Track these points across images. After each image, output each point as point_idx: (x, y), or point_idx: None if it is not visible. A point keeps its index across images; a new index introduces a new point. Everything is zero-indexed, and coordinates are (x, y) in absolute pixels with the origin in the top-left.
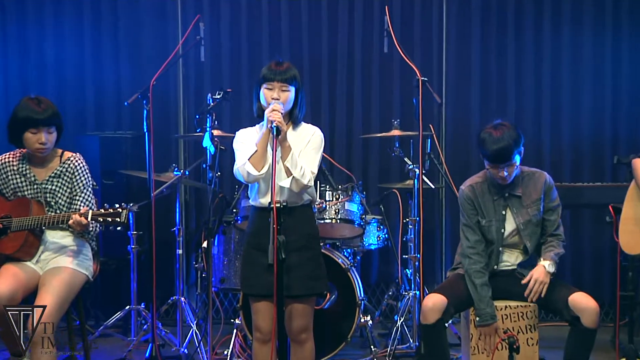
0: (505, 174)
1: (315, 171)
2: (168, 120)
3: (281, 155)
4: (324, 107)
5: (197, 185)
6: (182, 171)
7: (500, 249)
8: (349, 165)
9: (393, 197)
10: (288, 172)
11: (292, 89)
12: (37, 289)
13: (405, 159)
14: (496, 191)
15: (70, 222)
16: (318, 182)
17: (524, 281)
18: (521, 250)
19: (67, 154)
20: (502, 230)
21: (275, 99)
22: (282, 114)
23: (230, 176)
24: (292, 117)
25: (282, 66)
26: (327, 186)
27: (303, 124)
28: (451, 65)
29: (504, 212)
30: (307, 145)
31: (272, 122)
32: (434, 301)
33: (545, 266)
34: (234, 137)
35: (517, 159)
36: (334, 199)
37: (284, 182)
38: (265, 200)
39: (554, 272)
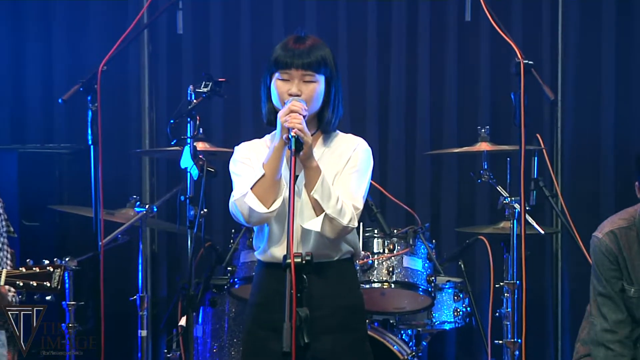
0: None
1: (361, 206)
2: (126, 127)
3: (305, 181)
4: (370, 108)
5: (170, 229)
6: (147, 207)
7: None
8: (410, 198)
9: (480, 249)
10: (317, 208)
11: (321, 80)
12: None
13: (499, 189)
14: None
15: None
16: (362, 224)
17: None
18: None
19: None
20: None
21: (295, 96)
22: (305, 117)
23: (224, 214)
24: (322, 123)
25: (305, 44)
26: (376, 231)
27: (339, 134)
28: (571, 43)
29: None
30: (345, 166)
31: (289, 130)
32: None
33: None
34: (230, 154)
35: None
36: (387, 250)
37: (310, 223)
38: (279, 252)
39: None
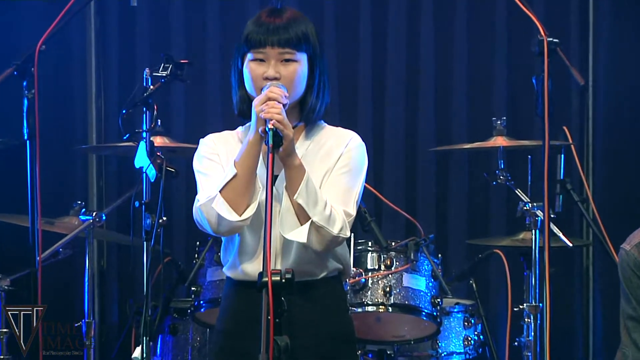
0: None
1: (354, 212)
2: (69, 119)
3: (286, 183)
4: (363, 94)
5: (122, 242)
6: (94, 214)
7: None
8: (411, 203)
9: (495, 264)
10: (301, 215)
11: (303, 59)
12: None
13: (518, 192)
14: None
15: None
16: (353, 236)
17: None
18: None
19: None
20: None
21: (273, 79)
22: (285, 106)
23: (187, 223)
24: (305, 113)
25: (282, 17)
26: (370, 243)
27: (326, 126)
28: (604, 19)
29: None
30: (335, 166)
31: (266, 122)
32: None
33: None
34: (194, 150)
35: None
36: (383, 267)
37: (294, 233)
38: (253, 269)
39: None
